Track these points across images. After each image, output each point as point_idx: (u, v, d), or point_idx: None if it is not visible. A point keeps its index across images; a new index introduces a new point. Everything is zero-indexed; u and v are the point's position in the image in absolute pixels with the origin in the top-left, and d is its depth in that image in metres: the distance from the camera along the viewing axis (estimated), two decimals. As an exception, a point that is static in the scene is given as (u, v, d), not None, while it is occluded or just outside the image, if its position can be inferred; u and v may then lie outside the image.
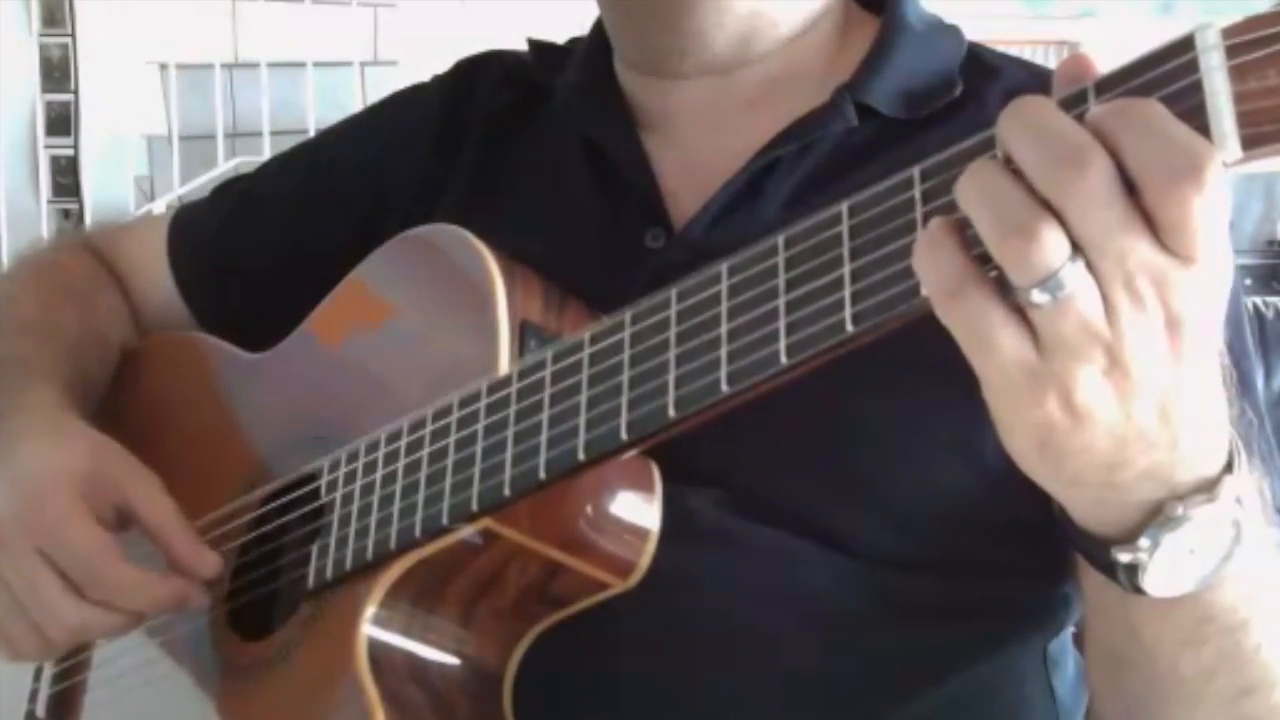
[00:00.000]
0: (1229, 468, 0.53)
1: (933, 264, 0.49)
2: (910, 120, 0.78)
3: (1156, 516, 0.53)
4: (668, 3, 0.79)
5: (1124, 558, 0.54)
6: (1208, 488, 0.53)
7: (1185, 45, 0.45)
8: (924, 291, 0.49)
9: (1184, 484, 0.53)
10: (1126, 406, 0.49)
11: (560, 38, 0.96)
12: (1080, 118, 0.47)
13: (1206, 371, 0.51)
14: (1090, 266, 0.47)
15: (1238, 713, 0.62)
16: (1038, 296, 0.47)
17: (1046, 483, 0.54)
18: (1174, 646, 0.60)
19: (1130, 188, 0.46)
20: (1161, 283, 0.47)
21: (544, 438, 0.63)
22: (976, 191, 0.48)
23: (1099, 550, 0.56)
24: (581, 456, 0.61)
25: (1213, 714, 0.62)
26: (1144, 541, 0.53)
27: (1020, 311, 0.48)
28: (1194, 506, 0.52)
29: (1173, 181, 0.45)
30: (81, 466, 0.76)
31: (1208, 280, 0.47)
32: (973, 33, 0.85)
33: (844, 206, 0.54)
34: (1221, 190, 0.45)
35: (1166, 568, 0.54)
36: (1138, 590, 0.55)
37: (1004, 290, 0.48)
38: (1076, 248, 0.46)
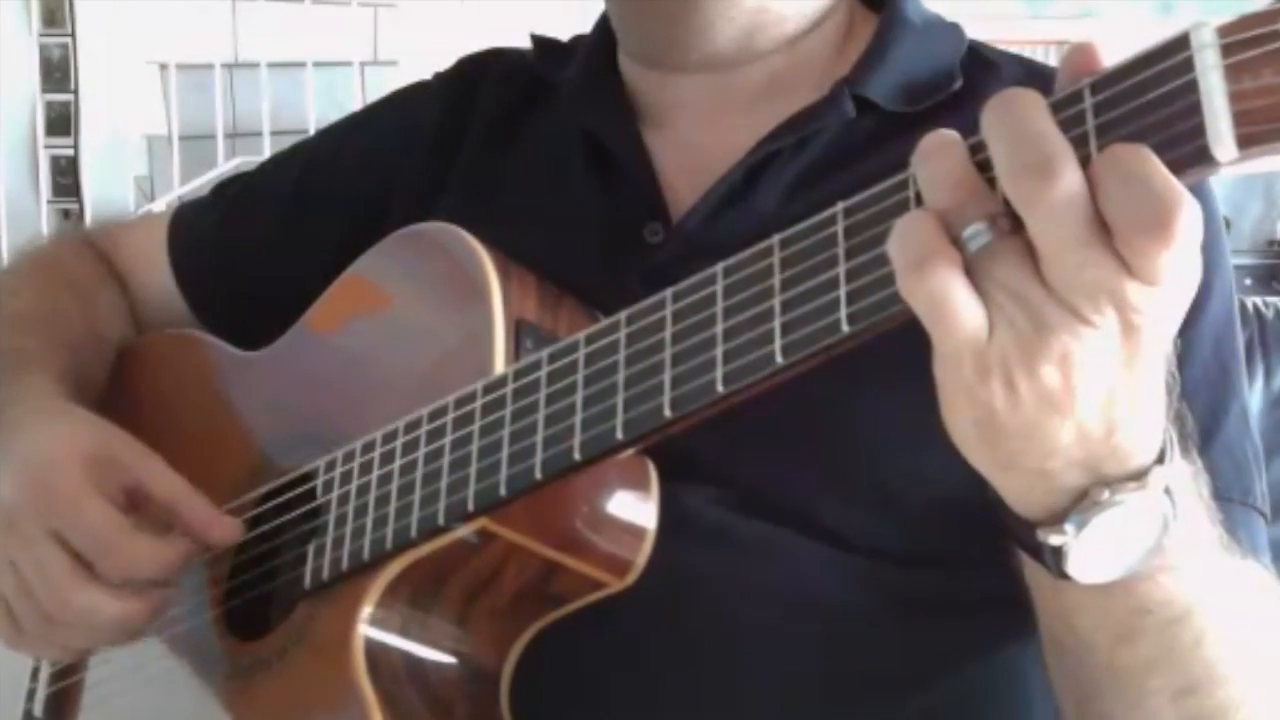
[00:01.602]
0: (1160, 460, 0.54)
1: (901, 237, 0.49)
2: (909, 114, 0.78)
3: (1082, 500, 0.53)
4: None
5: (1051, 540, 0.54)
6: (1137, 476, 0.53)
7: (1180, 44, 0.45)
8: (893, 263, 0.50)
9: (1114, 474, 0.53)
10: (1069, 399, 0.50)
11: (560, 36, 0.96)
12: (1077, 118, 0.47)
13: (1153, 373, 0.52)
14: (1042, 263, 0.48)
15: (1181, 712, 0.62)
16: (973, 243, 0.48)
17: (980, 463, 0.55)
18: (1109, 639, 0.60)
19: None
20: (1121, 298, 0.47)
21: (540, 438, 0.63)
22: (921, 158, 0.50)
23: (1027, 533, 0.56)
24: (577, 456, 0.61)
25: (1157, 713, 0.62)
26: (1069, 525, 0.53)
27: (980, 293, 0.49)
28: (1121, 492, 0.53)
29: (1141, 234, 0.45)
30: (87, 449, 0.76)
31: (1169, 298, 0.48)
32: (972, 32, 0.85)
33: (839, 208, 0.54)
34: (1193, 232, 0.45)
35: (1091, 552, 0.54)
36: (1063, 575, 0.55)
37: (968, 269, 0.49)
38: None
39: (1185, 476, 0.56)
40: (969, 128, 0.50)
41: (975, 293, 0.49)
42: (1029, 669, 0.75)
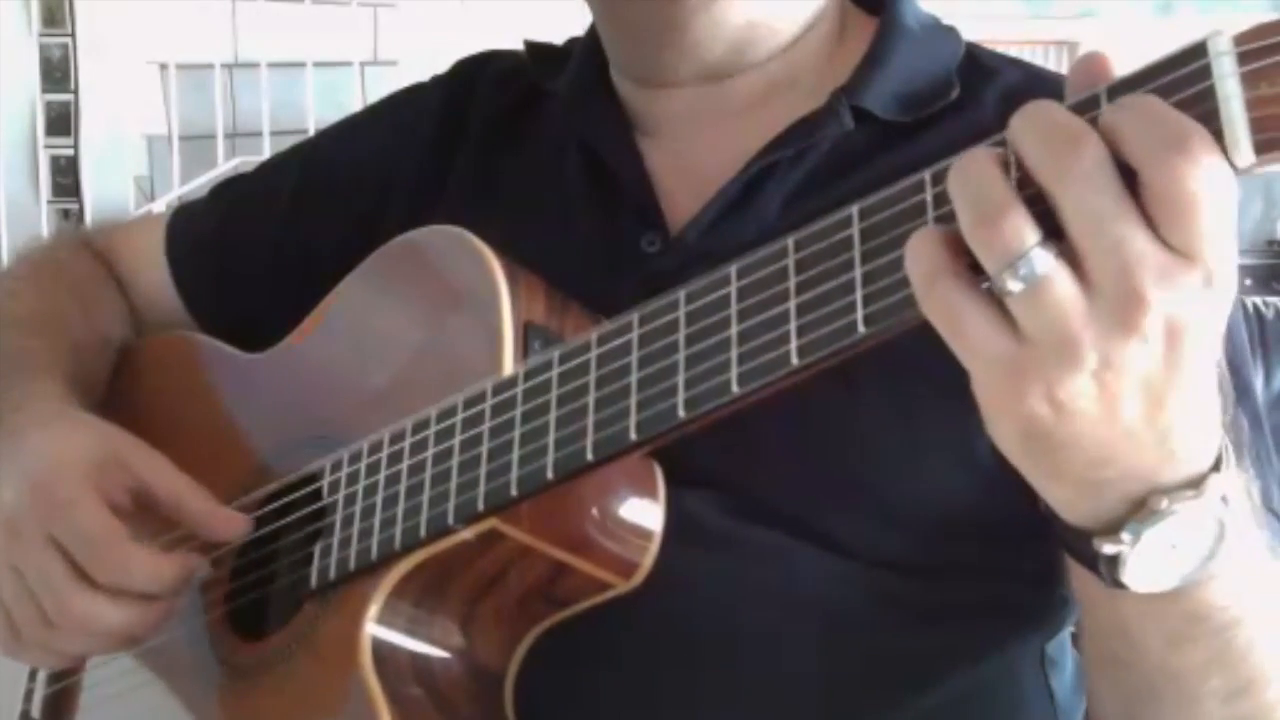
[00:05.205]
0: (1216, 467, 0.53)
1: (914, 254, 0.49)
2: (907, 123, 0.78)
3: (1140, 510, 0.53)
4: (662, 17, 0.79)
5: (1106, 549, 0.54)
6: (1193, 484, 0.53)
7: (1198, 51, 0.46)
8: (909, 275, 0.50)
9: (1170, 483, 0.52)
10: (1115, 407, 0.49)
11: (560, 37, 0.96)
12: (1093, 122, 0.47)
13: (1202, 378, 0.51)
14: (1081, 257, 0.47)
15: (1233, 713, 0.62)
16: (1011, 283, 0.47)
17: (1029, 473, 0.54)
18: (1163, 645, 0.60)
19: (1131, 179, 0.46)
20: (1163, 281, 0.46)
21: (551, 438, 0.63)
22: (959, 179, 0.49)
23: (1082, 543, 0.55)
24: (590, 457, 0.61)
25: (1208, 715, 0.62)
26: (1125, 535, 0.53)
27: (1000, 304, 0.48)
28: (1177, 501, 0.52)
29: (1164, 153, 0.45)
30: (91, 454, 0.76)
31: (1212, 287, 0.47)
32: (972, 33, 0.85)
33: (855, 209, 0.54)
34: (1221, 182, 0.45)
35: (1147, 562, 0.54)
36: (1119, 584, 0.55)
37: (982, 280, 0.49)
38: (1053, 235, 0.47)
39: (1240, 484, 0.55)
40: (965, 136, 0.50)
41: (997, 306, 0.48)
42: (1026, 673, 0.75)
